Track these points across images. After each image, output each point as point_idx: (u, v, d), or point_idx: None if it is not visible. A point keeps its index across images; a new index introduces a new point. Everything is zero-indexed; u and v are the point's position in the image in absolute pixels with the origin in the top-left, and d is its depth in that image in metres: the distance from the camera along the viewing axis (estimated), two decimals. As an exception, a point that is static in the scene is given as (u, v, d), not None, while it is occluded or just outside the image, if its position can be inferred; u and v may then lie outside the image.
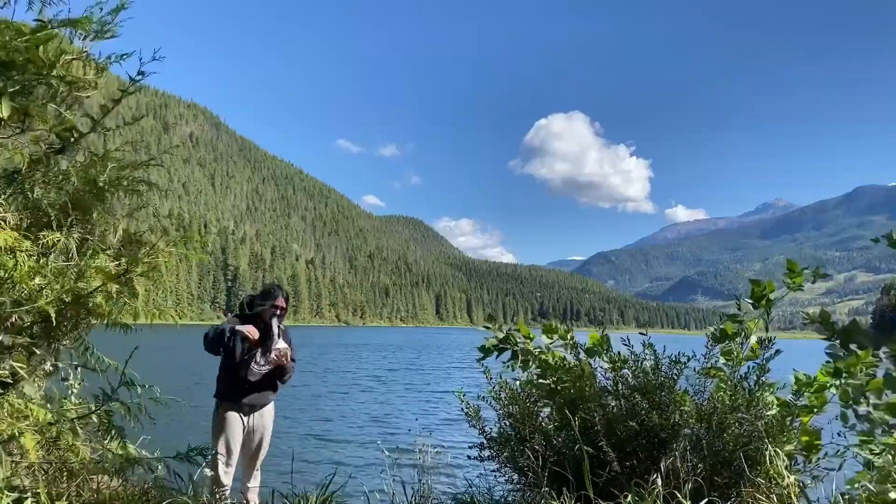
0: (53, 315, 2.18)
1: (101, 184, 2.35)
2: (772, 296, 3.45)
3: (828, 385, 3.15)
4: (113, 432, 2.44)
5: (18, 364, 2.20)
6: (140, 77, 2.47)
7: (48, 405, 2.40)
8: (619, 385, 3.39)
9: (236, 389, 4.29)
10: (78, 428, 2.36)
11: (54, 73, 2.25)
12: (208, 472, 3.87)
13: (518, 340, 3.79)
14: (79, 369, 2.63)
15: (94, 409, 2.40)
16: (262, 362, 4.28)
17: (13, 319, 2.15)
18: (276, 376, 4.43)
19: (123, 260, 2.37)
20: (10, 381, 2.26)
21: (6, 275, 2.02)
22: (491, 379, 3.67)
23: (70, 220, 2.34)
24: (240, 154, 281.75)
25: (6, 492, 2.19)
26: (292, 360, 4.46)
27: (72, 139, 2.46)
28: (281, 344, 4.32)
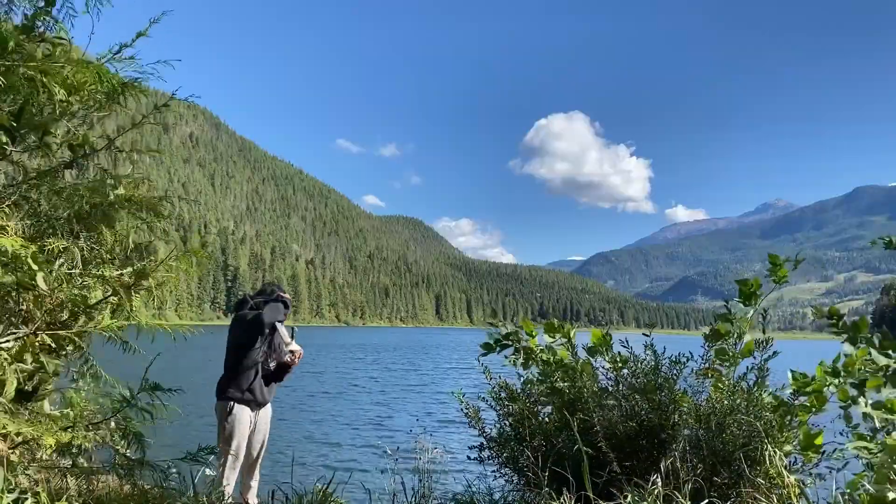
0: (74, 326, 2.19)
1: (110, 202, 2.37)
2: (760, 292, 3.44)
3: (826, 384, 3.15)
4: (130, 436, 2.45)
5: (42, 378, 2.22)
6: (165, 107, 2.50)
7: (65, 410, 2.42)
8: (620, 385, 3.40)
9: (248, 388, 4.30)
10: (92, 431, 2.37)
11: (78, 96, 2.27)
12: (209, 472, 3.86)
13: (522, 337, 3.80)
14: (87, 374, 2.63)
15: (111, 414, 2.41)
16: (273, 359, 4.34)
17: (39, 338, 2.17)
18: (278, 375, 4.44)
19: (128, 270, 2.38)
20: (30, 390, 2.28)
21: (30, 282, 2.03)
22: (491, 379, 3.67)
23: (75, 231, 2.35)
24: (240, 154, 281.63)
25: (6, 493, 2.20)
26: None
27: (84, 154, 2.47)
28: (294, 346, 4.34)
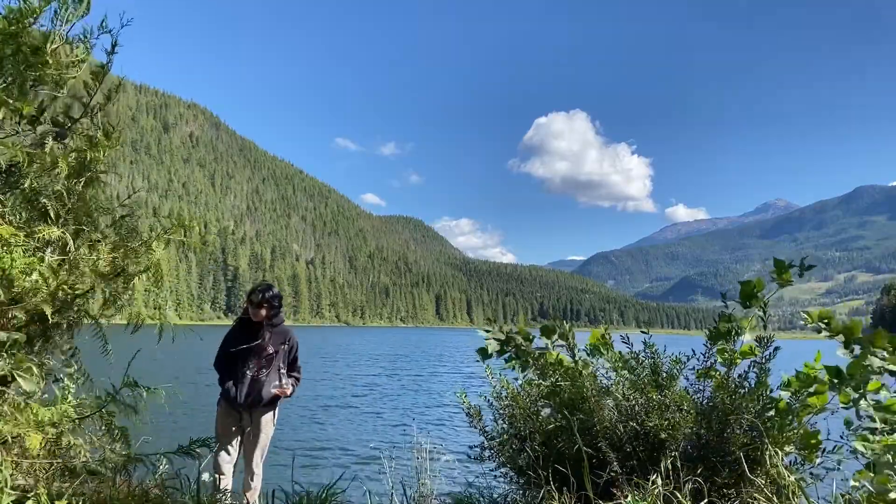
0: (50, 314, 2.16)
1: (97, 160, 2.28)
2: (761, 294, 3.43)
3: (828, 385, 3.15)
4: (116, 433, 2.43)
5: (16, 362, 2.17)
6: (115, 51, 2.37)
7: (50, 406, 2.39)
8: (620, 385, 3.39)
9: (230, 388, 4.40)
10: (79, 428, 2.34)
11: (45, 58, 2.21)
12: (206, 476, 3.88)
13: (518, 342, 3.78)
14: (73, 369, 2.61)
15: (95, 410, 2.38)
16: (253, 368, 4.39)
17: (9, 316, 2.13)
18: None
19: (121, 252, 2.32)
20: (8, 378, 2.24)
21: (1, 272, 2.00)
22: (492, 378, 3.67)
23: (66, 209, 2.29)
24: (240, 154, 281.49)
25: (7, 491, 2.19)
26: (298, 367, 4.62)
27: (67, 125, 2.41)
28: (278, 385, 4.42)
